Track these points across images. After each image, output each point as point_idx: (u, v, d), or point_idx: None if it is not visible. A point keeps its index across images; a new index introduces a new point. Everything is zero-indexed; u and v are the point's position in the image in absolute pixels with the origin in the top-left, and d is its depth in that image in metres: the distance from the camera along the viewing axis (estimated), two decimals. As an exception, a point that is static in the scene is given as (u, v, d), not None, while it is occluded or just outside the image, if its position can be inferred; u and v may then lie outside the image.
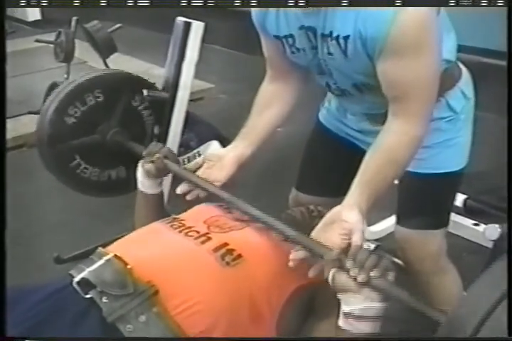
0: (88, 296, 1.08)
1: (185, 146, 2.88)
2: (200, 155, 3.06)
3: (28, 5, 1.29)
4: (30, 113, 3.25)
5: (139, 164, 1.52)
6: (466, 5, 1.18)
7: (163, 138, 2.13)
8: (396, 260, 1.78)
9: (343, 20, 1.20)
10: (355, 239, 1.16)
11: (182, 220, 1.32)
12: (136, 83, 1.94)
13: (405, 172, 1.32)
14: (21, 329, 1.01)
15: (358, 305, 1.03)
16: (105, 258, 1.15)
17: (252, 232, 1.29)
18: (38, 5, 1.34)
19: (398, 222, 1.58)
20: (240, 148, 1.51)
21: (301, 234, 1.20)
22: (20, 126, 3.44)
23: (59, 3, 1.38)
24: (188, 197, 1.44)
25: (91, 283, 1.09)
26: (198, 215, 1.36)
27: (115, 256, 1.15)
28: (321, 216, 1.37)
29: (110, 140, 1.87)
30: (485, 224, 2.13)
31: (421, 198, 1.50)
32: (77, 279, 1.10)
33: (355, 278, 1.03)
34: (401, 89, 1.23)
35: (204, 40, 1.91)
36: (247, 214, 1.30)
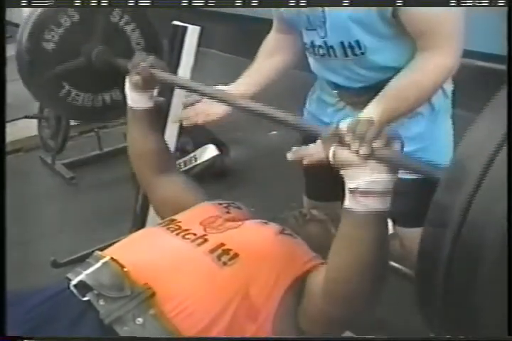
0: (85, 299, 1.09)
1: (181, 150, 2.89)
2: (196, 159, 3.06)
3: (29, 5, 1.27)
4: (26, 117, 3.25)
5: (126, 78, 1.47)
6: (467, 5, 1.18)
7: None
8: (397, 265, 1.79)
9: None
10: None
11: (178, 222, 1.32)
12: None
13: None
14: (19, 332, 1.02)
15: (364, 178, 0.96)
16: (102, 261, 1.15)
17: (248, 230, 1.29)
18: (38, 5, 1.32)
19: (395, 222, 1.58)
20: (242, 86, 1.50)
21: (297, 116, 1.16)
22: (16, 131, 3.44)
23: (59, 3, 1.35)
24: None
25: (88, 286, 1.10)
26: (194, 216, 1.36)
27: (112, 259, 1.16)
28: (315, 220, 1.37)
29: (96, 60, 1.73)
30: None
31: (413, 198, 1.50)
32: (74, 282, 1.11)
33: (357, 152, 0.95)
34: (428, 25, 1.23)
35: (200, 43, 1.91)
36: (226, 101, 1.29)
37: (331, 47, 1.36)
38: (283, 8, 1.39)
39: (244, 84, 1.50)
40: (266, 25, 1.60)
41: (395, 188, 1.13)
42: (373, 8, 1.22)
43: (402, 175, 1.33)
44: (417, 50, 1.28)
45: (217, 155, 3.02)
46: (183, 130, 2.05)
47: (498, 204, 0.75)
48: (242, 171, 3.02)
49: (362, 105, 1.31)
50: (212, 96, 1.35)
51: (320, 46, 1.39)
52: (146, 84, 1.44)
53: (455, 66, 1.27)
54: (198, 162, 3.01)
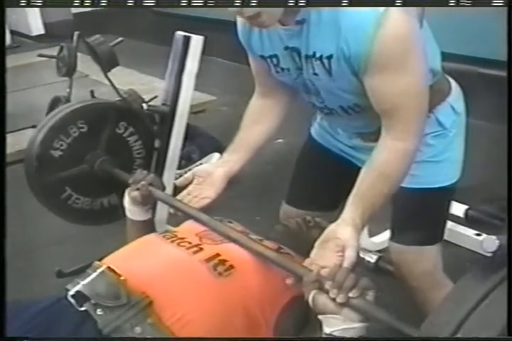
0: (83, 309, 1.09)
1: (187, 159, 2.90)
2: (202, 167, 3.06)
3: (28, 5, 1.27)
4: (34, 127, 3.25)
5: (126, 192, 1.54)
6: (467, 5, 1.18)
7: (163, 151, 2.14)
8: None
9: (325, 40, 1.21)
10: (348, 255, 1.17)
11: (175, 232, 1.34)
12: (118, 111, 1.97)
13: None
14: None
15: (338, 326, 1.03)
16: (98, 270, 1.16)
17: None
18: (38, 5, 1.33)
19: (392, 238, 1.57)
20: (229, 163, 1.53)
21: (280, 255, 1.22)
22: (24, 140, 3.45)
23: (60, 4, 1.37)
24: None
25: (85, 296, 1.10)
26: (190, 229, 1.37)
27: (108, 268, 1.16)
28: (318, 227, 1.37)
29: (98, 169, 1.88)
30: (487, 234, 2.12)
31: (414, 213, 1.49)
32: (71, 292, 1.11)
33: (334, 299, 1.03)
34: (389, 104, 1.23)
35: (205, 52, 1.92)
36: (227, 236, 1.31)
37: (332, 109, 1.39)
38: (275, 72, 1.39)
39: (231, 162, 1.53)
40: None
41: (395, 199, 1.14)
42: (355, 80, 1.24)
43: (404, 184, 1.35)
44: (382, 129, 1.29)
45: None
46: (188, 138, 2.06)
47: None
48: (247, 179, 3.01)
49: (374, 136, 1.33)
50: (199, 218, 1.38)
51: (321, 108, 1.43)
52: (144, 200, 1.50)
53: (417, 147, 1.28)
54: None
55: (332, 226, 1.24)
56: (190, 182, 1.52)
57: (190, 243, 1.26)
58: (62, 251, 2.54)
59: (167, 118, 2.07)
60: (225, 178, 1.51)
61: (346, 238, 1.19)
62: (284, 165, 2.79)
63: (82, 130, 1.87)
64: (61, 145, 1.85)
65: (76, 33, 2.31)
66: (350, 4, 1.13)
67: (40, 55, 2.69)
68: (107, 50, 2.17)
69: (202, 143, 3.02)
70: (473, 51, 3.45)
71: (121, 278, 1.13)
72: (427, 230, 1.52)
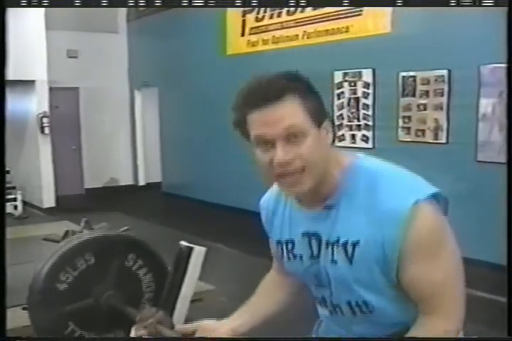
0: None
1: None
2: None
3: (29, 5, 1.29)
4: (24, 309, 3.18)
5: (133, 328, 1.48)
6: (467, 5, 1.19)
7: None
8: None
9: (354, 226, 1.22)
10: None
11: None
12: (127, 243, 1.91)
13: None
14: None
15: None
16: None
17: None
18: (38, 5, 1.36)
19: None
20: (234, 323, 1.49)
21: None
22: (12, 318, 3.35)
23: (60, 4, 1.39)
24: None
25: None
26: None
27: None
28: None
29: (104, 303, 1.79)
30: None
31: None
32: None
33: None
34: (427, 291, 1.24)
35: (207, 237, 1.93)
36: None
37: (338, 306, 1.37)
38: (287, 259, 1.40)
39: (237, 322, 1.50)
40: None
41: None
42: (376, 269, 1.24)
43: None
44: (419, 312, 1.28)
45: None
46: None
47: None
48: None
49: None
50: None
51: (329, 303, 1.39)
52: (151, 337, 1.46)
53: (459, 329, 1.27)
54: None
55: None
56: (193, 333, 1.47)
57: None
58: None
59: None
60: (230, 335, 1.46)
61: None
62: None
63: (89, 263, 1.80)
64: (67, 278, 1.78)
65: (84, 220, 2.37)
66: (351, 4, 1.14)
67: (45, 239, 2.74)
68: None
69: None
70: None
71: None
72: None
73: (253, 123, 1.19)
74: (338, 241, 1.25)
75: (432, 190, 1.23)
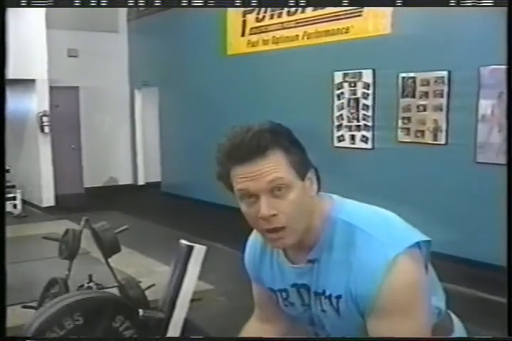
0: None
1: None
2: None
3: (29, 5, 1.28)
4: (25, 307, 3.18)
5: None
6: (468, 5, 1.18)
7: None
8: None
9: (334, 280, 1.23)
10: None
11: None
12: (116, 305, 1.94)
13: None
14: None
15: None
16: None
17: None
18: (38, 5, 1.34)
19: None
20: None
21: None
22: (12, 317, 3.35)
23: (60, 4, 1.37)
24: None
25: None
26: None
27: None
28: None
29: None
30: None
31: None
32: None
33: None
34: None
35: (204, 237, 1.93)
36: None
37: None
38: (283, 305, 1.39)
39: None
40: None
41: None
42: (364, 321, 1.22)
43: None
44: None
45: None
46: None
47: None
48: None
49: None
50: None
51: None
52: None
53: None
54: None
55: None
56: None
57: None
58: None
59: (162, 324, 2.03)
60: None
61: None
62: None
63: (77, 323, 1.82)
64: (53, 338, 1.79)
65: (84, 218, 2.36)
66: (351, 4, 1.15)
67: (45, 238, 2.73)
68: (111, 237, 2.21)
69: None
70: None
71: None
72: None
73: (237, 177, 1.19)
74: (323, 293, 1.27)
75: (413, 239, 1.20)
